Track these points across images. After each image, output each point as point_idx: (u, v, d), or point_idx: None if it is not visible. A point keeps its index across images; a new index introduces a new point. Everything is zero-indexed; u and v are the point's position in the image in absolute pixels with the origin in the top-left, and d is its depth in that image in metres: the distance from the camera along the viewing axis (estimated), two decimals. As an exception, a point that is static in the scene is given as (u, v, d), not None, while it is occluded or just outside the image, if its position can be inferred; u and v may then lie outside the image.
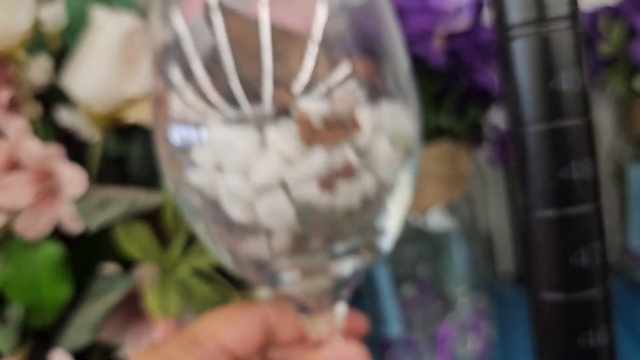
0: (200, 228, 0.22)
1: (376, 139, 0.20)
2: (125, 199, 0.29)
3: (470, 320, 0.45)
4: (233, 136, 0.18)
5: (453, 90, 0.46)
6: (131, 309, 0.31)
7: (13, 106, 0.35)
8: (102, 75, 0.30)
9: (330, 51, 0.19)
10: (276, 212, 0.19)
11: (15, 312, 0.29)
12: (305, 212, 0.19)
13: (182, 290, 0.29)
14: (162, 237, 0.30)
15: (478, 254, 0.50)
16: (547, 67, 0.17)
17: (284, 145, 0.18)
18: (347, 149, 0.19)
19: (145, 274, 0.29)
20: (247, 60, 0.18)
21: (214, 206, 0.20)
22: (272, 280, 0.22)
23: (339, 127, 0.19)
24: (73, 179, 0.28)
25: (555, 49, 0.17)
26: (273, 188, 0.19)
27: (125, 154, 0.35)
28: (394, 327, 0.44)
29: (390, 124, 0.20)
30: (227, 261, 0.22)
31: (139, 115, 0.32)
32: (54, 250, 0.30)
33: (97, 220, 0.27)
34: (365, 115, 0.19)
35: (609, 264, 0.18)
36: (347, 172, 0.19)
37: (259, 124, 0.18)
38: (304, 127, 0.18)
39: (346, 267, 0.22)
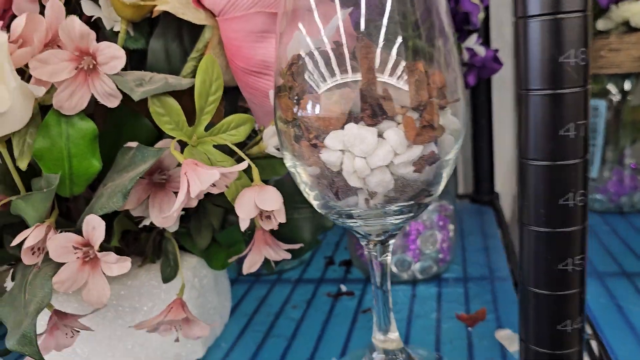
0: (307, 184, 0.31)
1: (445, 134, 0.29)
2: (158, 78, 0.31)
3: (437, 222, 0.51)
4: (365, 134, 0.27)
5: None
6: (153, 182, 0.35)
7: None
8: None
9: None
10: (382, 182, 0.28)
11: (52, 179, 0.32)
12: (399, 183, 0.29)
13: (205, 160, 0.32)
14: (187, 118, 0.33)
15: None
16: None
17: (395, 142, 0.27)
18: (432, 143, 0.28)
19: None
20: (377, 84, 0.27)
21: (333, 174, 0.29)
22: (345, 219, 0.32)
23: (431, 130, 0.28)
24: (111, 55, 0.30)
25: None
26: (383, 168, 0.28)
27: (145, 48, 0.37)
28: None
29: (450, 122, 0.30)
30: (315, 205, 0.32)
31: (164, 6, 0.34)
32: (86, 126, 0.33)
33: (139, 93, 0.30)
34: (441, 119, 0.29)
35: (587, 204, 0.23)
36: (431, 158, 0.29)
37: (379, 127, 0.27)
38: (410, 131, 0.27)
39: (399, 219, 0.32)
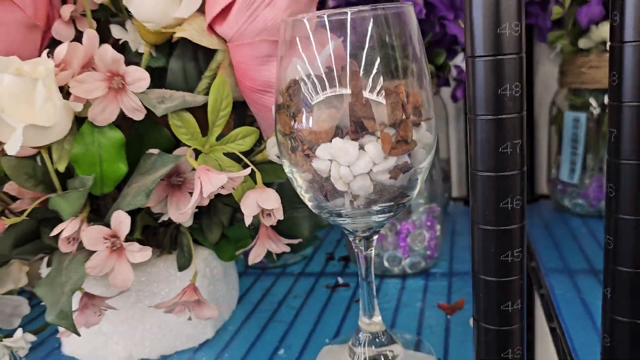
0: (302, 188, 0.37)
1: (418, 147, 0.34)
2: (177, 96, 0.37)
3: (425, 222, 0.56)
4: (348, 147, 0.33)
5: (426, 36, 0.55)
6: (171, 184, 0.40)
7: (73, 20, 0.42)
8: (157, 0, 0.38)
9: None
10: (363, 187, 0.34)
11: (86, 180, 0.38)
12: (378, 188, 0.34)
13: (216, 165, 0.38)
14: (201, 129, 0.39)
15: (436, 174, 0.60)
16: (496, 15, 0.26)
17: (373, 154, 0.33)
18: (406, 155, 0.34)
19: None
20: (360, 105, 0.33)
21: (323, 179, 0.35)
22: (336, 217, 0.37)
23: (404, 144, 0.33)
24: (138, 77, 0.36)
25: (503, 4, 0.26)
26: (364, 175, 0.34)
27: (165, 66, 0.43)
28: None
29: (423, 137, 0.35)
30: (310, 205, 0.38)
31: (182, 33, 0.40)
32: (115, 135, 0.39)
33: (161, 109, 0.35)
34: (414, 134, 0.34)
35: (526, 206, 0.29)
36: (404, 167, 0.34)
37: (361, 141, 0.33)
38: (386, 145, 0.33)
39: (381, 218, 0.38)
